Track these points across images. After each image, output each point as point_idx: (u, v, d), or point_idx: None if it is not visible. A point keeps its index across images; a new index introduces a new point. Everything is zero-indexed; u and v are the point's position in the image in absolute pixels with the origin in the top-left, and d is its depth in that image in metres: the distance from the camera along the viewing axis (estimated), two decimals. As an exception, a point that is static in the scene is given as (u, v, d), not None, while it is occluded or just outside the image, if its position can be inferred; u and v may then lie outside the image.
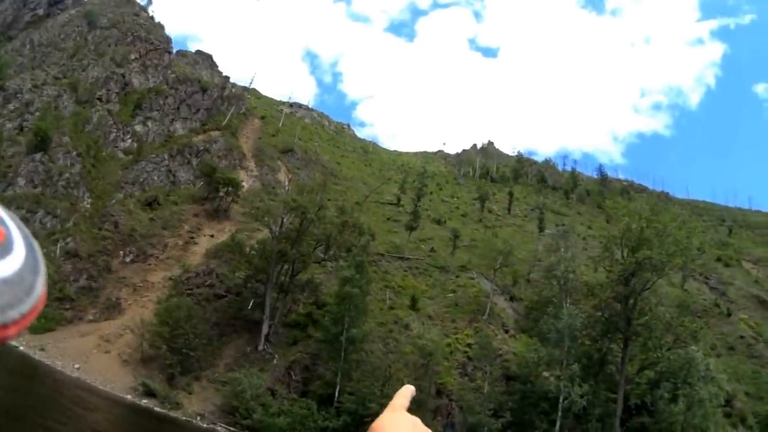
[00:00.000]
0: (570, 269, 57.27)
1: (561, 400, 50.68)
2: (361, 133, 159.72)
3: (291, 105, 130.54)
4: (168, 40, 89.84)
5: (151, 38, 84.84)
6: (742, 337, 64.91)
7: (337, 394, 52.07)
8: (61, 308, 56.04)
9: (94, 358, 51.87)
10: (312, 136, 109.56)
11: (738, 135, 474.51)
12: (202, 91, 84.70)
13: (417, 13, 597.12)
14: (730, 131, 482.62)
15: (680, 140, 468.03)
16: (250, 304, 60.12)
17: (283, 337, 59.37)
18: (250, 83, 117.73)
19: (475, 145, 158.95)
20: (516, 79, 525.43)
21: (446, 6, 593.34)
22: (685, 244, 54.68)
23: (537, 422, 52.07)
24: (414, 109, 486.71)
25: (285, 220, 60.48)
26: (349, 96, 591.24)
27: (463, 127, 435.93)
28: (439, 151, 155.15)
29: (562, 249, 59.99)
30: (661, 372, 51.71)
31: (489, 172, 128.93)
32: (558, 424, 50.42)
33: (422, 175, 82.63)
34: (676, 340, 53.30)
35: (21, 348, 50.11)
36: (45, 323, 53.87)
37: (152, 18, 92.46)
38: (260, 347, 57.50)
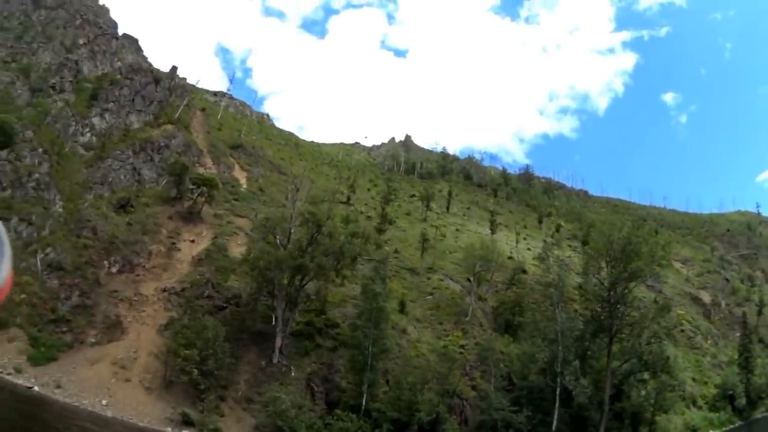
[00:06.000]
0: (562, 277, 60.18)
1: (558, 393, 53.70)
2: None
3: (215, 94, 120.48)
4: (114, 25, 78.11)
5: (99, 22, 73.20)
6: (682, 330, 72.19)
7: (364, 403, 50.42)
8: (57, 332, 47.55)
9: (117, 390, 44.89)
10: (251, 130, 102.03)
11: (645, 139, 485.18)
12: (155, 82, 75.12)
13: (330, 12, 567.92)
14: (637, 136, 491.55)
15: (585, 142, 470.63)
16: (257, 316, 55.69)
17: (292, 348, 55.75)
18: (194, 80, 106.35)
19: (393, 139, 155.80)
20: (426, 79, 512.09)
21: (359, 6, 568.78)
22: (660, 255, 59.86)
23: (536, 415, 54.46)
24: (322, 103, 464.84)
25: (292, 231, 56.64)
26: (258, 91, 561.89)
27: (370, 123, 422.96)
28: (357, 143, 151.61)
29: (551, 258, 62.37)
30: (644, 363, 56.23)
31: (414, 168, 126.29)
32: (556, 414, 53.27)
33: (388, 180, 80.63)
34: (653, 336, 57.29)
35: (36, 389, 42.26)
36: (46, 352, 45.74)
37: (96, 0, 79.74)
38: (275, 360, 53.56)
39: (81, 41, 68.65)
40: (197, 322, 48.57)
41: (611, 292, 57.58)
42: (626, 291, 58.05)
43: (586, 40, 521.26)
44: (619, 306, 57.45)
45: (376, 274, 54.04)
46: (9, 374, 42.84)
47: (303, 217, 54.94)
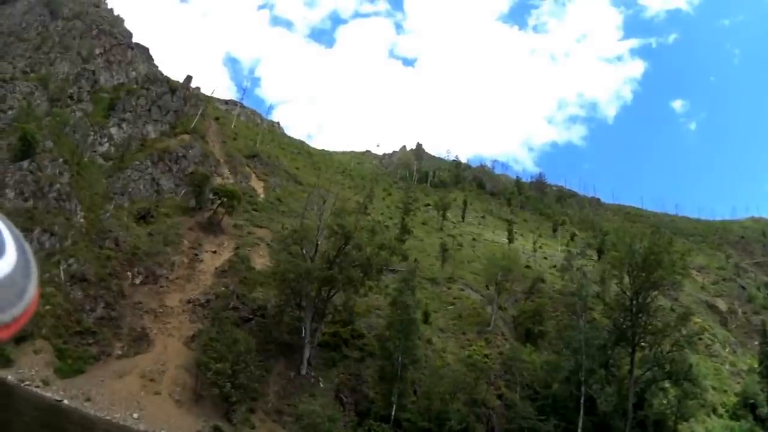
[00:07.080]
0: (586, 286, 59.73)
1: (582, 401, 53.51)
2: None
3: (226, 102, 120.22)
4: (129, 35, 77.67)
5: (115, 32, 72.87)
6: (700, 338, 71.57)
7: (393, 413, 49.82)
8: (83, 344, 46.73)
9: (148, 403, 44.04)
10: (264, 139, 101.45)
11: (655, 147, 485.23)
12: (170, 92, 74.69)
13: (338, 21, 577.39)
14: (646, 143, 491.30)
15: (594, 150, 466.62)
16: (285, 327, 55.00)
17: (319, 359, 55.07)
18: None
19: (404, 147, 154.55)
20: (434, 88, 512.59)
21: (367, 16, 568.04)
22: (680, 264, 59.52)
23: (560, 423, 53.72)
24: (331, 112, 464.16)
25: (319, 243, 56.14)
26: (266, 101, 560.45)
27: (379, 131, 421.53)
28: (367, 151, 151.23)
29: (575, 268, 61.87)
30: (666, 372, 55.82)
31: (427, 177, 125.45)
32: (580, 422, 52.83)
33: (407, 189, 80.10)
34: (675, 344, 56.71)
35: (65, 402, 41.38)
36: (73, 364, 44.95)
37: (111, 10, 79.48)
38: (303, 371, 52.87)
39: (97, 51, 68.38)
40: (227, 335, 47.76)
41: (633, 302, 57.47)
42: (648, 300, 57.93)
43: (594, 48, 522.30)
44: (641, 315, 57.35)
45: (405, 285, 53.50)
46: (37, 387, 41.98)
47: (331, 229, 54.34)
